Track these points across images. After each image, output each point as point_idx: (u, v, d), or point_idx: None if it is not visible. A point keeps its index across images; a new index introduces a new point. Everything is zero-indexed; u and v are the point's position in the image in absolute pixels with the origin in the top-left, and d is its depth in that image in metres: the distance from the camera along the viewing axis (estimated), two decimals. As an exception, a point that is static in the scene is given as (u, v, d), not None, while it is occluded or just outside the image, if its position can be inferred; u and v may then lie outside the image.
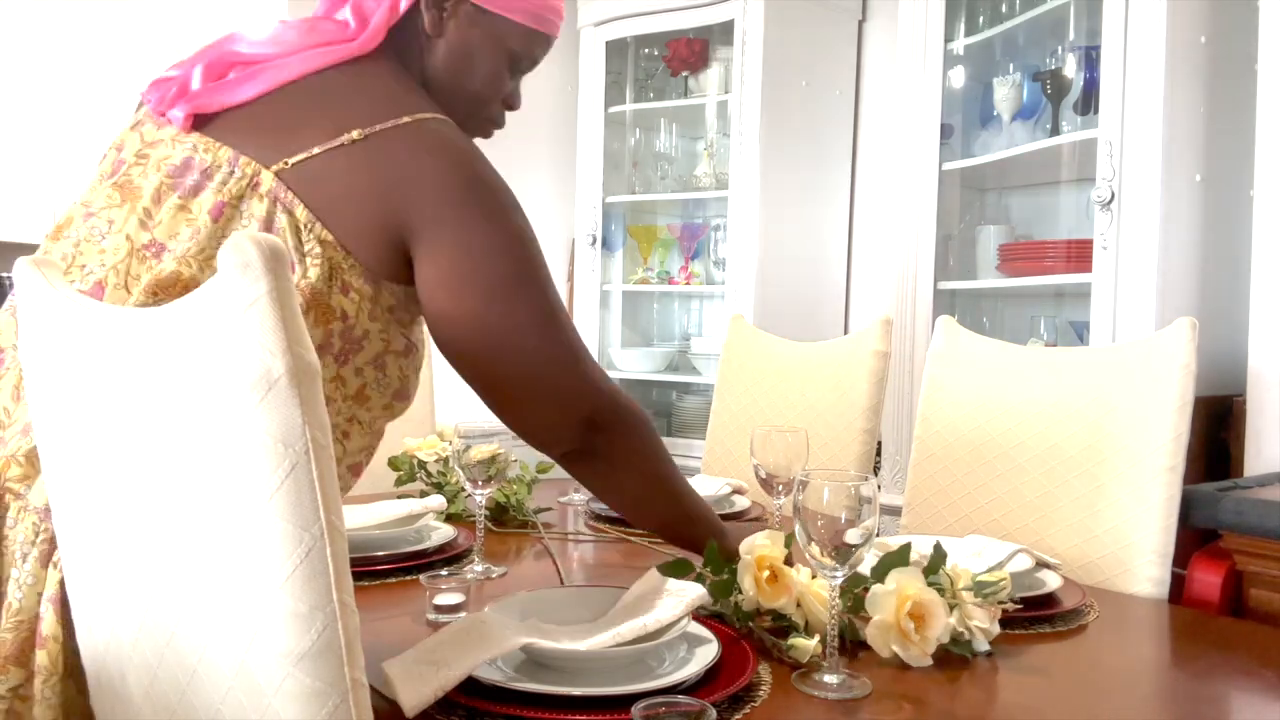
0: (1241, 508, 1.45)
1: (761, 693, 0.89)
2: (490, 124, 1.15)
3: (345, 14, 1.04)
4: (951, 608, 0.99)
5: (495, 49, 1.08)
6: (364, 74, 1.01)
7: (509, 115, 1.17)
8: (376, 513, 1.39)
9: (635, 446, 1.11)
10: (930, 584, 1.00)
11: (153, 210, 0.95)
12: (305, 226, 0.92)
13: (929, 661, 0.96)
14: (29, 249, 1.06)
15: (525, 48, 1.10)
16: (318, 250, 0.92)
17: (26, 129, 2.84)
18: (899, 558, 1.02)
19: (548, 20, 1.09)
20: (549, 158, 3.48)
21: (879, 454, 2.62)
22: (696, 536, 1.16)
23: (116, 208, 0.97)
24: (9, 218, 2.75)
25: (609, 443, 1.08)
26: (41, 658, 0.84)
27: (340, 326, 0.94)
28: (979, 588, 1.02)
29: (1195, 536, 1.53)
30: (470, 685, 0.82)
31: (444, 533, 1.42)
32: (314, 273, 0.92)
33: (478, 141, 1.06)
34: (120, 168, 1.00)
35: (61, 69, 2.99)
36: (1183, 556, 1.43)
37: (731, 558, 1.07)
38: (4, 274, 2.78)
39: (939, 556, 1.05)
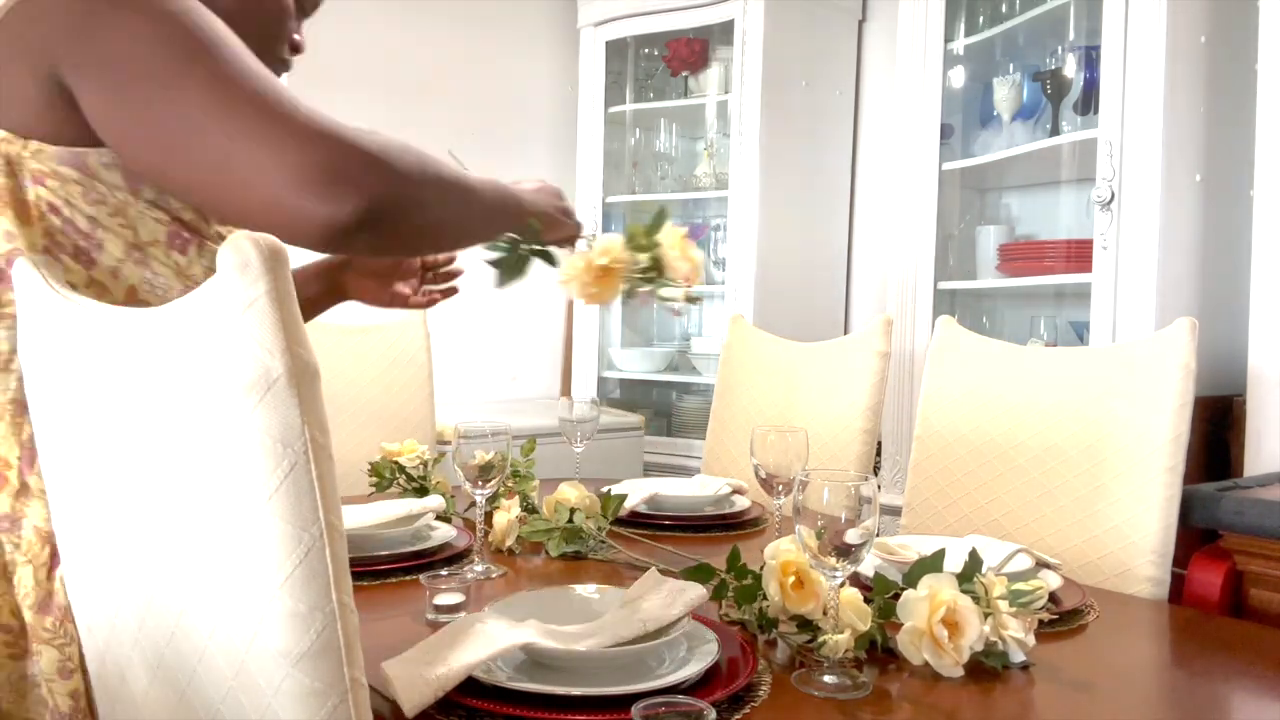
0: (1241, 508, 1.45)
1: (761, 693, 0.89)
2: (281, 64, 1.06)
3: None
4: (985, 616, 0.95)
5: None
6: None
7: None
8: (376, 513, 1.39)
9: (407, 195, 0.86)
10: (964, 591, 0.96)
11: None
12: None
13: (960, 672, 0.93)
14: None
15: None
16: None
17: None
18: (932, 564, 1.00)
19: None
20: (549, 158, 3.48)
21: (879, 454, 2.62)
22: (507, 223, 1.08)
23: None
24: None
25: (369, 202, 0.82)
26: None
27: (57, 222, 0.85)
28: (1014, 596, 0.99)
29: (1195, 536, 1.53)
30: (470, 685, 0.82)
31: (444, 533, 1.42)
32: None
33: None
34: None
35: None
36: (1183, 556, 1.43)
37: (534, 214, 1.08)
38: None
39: (974, 564, 1.01)
